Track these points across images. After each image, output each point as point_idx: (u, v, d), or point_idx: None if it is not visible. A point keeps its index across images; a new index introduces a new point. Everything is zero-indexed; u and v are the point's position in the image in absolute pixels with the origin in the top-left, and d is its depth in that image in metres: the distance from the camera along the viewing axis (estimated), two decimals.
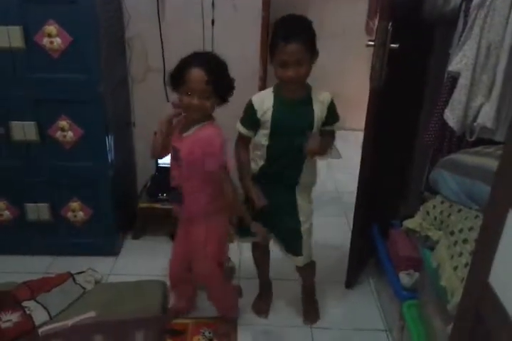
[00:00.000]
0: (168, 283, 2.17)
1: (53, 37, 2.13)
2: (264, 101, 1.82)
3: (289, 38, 1.66)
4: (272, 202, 1.91)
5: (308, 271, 2.13)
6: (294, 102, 1.82)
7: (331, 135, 1.93)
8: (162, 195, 2.67)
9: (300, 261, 2.02)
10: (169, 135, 1.77)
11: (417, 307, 1.84)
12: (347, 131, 4.11)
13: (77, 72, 2.20)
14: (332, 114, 1.87)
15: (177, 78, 1.67)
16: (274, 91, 1.83)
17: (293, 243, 1.99)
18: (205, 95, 1.65)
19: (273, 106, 1.80)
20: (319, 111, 1.82)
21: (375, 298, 2.35)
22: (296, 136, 1.80)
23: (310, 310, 2.22)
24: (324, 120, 1.84)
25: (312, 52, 1.73)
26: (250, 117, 1.84)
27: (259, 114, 1.81)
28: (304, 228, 1.96)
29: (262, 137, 1.85)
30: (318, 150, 1.80)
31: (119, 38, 2.58)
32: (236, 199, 1.83)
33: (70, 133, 2.32)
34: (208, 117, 1.75)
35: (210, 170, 1.73)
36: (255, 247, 2.18)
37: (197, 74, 1.62)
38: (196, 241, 1.90)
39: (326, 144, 1.88)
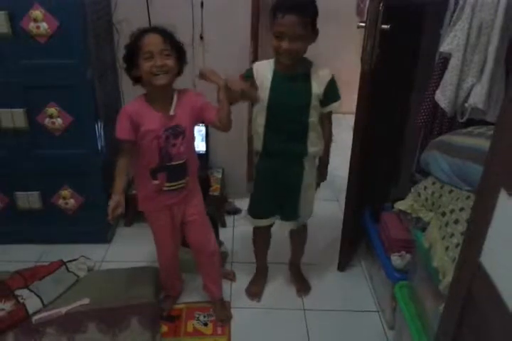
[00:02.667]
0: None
1: (39, 22, 2.09)
2: (265, 68, 1.80)
3: (288, 9, 1.64)
4: (278, 179, 1.92)
5: (301, 235, 2.17)
6: (292, 77, 1.79)
7: (328, 120, 1.90)
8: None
9: (294, 224, 2.05)
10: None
11: (408, 288, 1.86)
12: (338, 114, 4.11)
13: (65, 58, 2.17)
14: (331, 91, 1.81)
15: (134, 48, 1.69)
16: (275, 63, 1.80)
17: (291, 209, 2.01)
18: (166, 54, 1.66)
19: (272, 78, 1.79)
20: (317, 88, 1.78)
21: (367, 280, 2.36)
22: (293, 112, 1.80)
23: (301, 282, 2.28)
24: (322, 97, 1.80)
25: (311, 29, 1.70)
26: (247, 77, 1.82)
27: (255, 77, 1.81)
28: (303, 193, 1.97)
29: (259, 113, 1.84)
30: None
31: (107, 22, 2.53)
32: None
33: (59, 120, 2.29)
34: (171, 89, 1.77)
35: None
36: (257, 232, 2.17)
37: (153, 36, 1.67)
38: (195, 218, 1.94)
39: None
